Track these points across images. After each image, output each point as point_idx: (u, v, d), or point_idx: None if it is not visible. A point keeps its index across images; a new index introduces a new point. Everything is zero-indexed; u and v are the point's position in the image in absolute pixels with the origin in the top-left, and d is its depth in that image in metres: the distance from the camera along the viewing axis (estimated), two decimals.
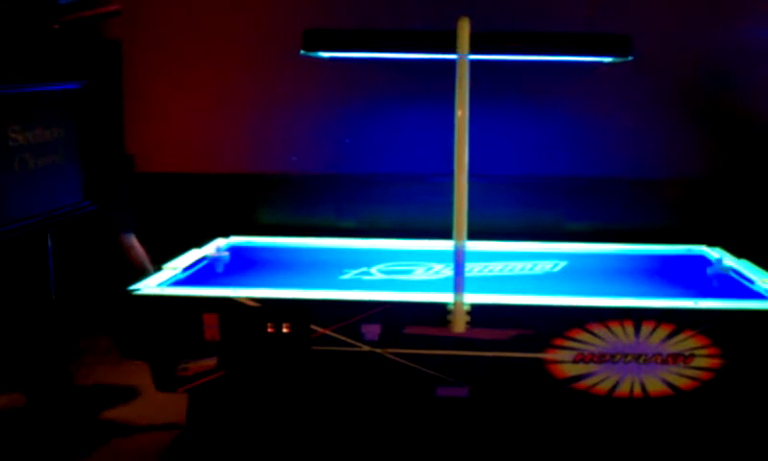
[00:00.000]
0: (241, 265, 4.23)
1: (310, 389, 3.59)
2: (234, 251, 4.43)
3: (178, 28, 5.07)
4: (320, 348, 3.51)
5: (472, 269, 4.14)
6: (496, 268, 4.17)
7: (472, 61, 4.20)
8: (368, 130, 5.10)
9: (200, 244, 4.32)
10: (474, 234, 4.56)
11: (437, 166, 4.80)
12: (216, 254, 4.18)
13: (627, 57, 3.49)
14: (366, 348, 3.49)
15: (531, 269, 4.17)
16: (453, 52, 3.38)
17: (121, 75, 5.07)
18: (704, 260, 4.22)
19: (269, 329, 3.50)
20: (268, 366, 3.56)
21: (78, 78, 4.34)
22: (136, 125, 5.08)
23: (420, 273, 4.08)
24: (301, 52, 3.59)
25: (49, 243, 3.35)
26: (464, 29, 3.37)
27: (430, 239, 4.48)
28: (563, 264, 4.25)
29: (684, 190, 5.02)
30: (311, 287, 3.63)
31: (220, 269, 4.13)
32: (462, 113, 3.35)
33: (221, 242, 4.48)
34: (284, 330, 3.50)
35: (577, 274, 4.11)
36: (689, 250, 4.44)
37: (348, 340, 3.50)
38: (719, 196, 4.99)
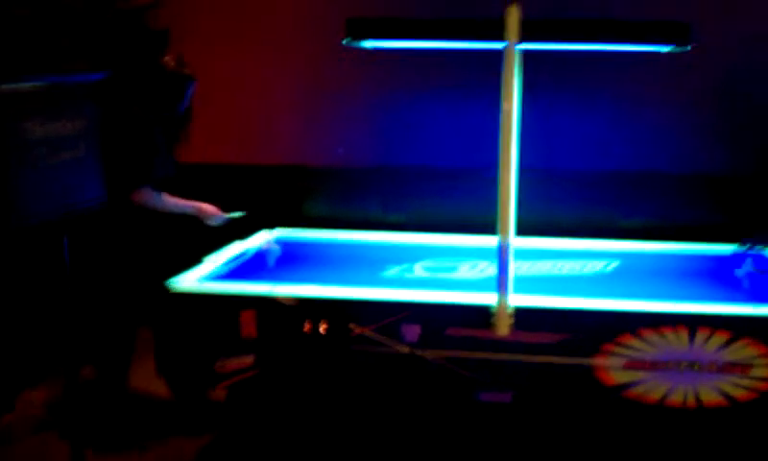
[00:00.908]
0: (284, 259, 4.15)
1: (348, 390, 3.50)
2: (281, 243, 4.36)
3: (222, 16, 5.02)
4: (358, 348, 3.42)
5: (520, 268, 4.00)
6: (545, 267, 4.01)
7: (525, 53, 4.09)
8: (417, 122, 4.97)
9: (244, 237, 4.27)
10: (524, 230, 4.45)
11: (490, 160, 4.64)
12: (267, 247, 4.12)
13: (687, 46, 3.29)
14: (405, 349, 3.39)
15: (581, 269, 4.00)
16: (502, 40, 3.22)
17: None
18: (765, 262, 3.98)
19: (306, 328, 3.43)
20: (305, 365, 3.48)
21: (129, 67, 4.35)
22: None
23: (464, 271, 3.95)
24: (344, 41, 3.50)
25: (65, 240, 3.33)
26: (513, 16, 3.22)
27: (479, 235, 4.34)
28: (615, 264, 4.07)
29: (745, 187, 4.75)
30: (352, 284, 3.54)
31: (272, 263, 4.07)
32: (508, 106, 3.20)
33: (268, 235, 4.42)
34: (321, 330, 3.42)
35: (630, 274, 3.92)
36: (749, 250, 4.21)
37: (388, 341, 3.40)
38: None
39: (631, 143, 4.79)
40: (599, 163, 4.84)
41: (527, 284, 3.75)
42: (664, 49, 3.39)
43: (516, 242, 4.34)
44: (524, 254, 4.23)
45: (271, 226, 4.58)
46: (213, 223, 4.12)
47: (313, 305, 3.41)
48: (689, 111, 4.75)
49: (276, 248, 4.13)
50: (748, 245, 3.81)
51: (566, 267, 4.03)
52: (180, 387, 4.12)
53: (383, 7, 4.58)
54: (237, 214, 4.18)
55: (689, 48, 3.29)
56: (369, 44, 3.61)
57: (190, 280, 3.59)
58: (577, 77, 4.72)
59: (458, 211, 4.74)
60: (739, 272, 3.83)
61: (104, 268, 3.98)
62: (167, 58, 3.92)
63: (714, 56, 4.62)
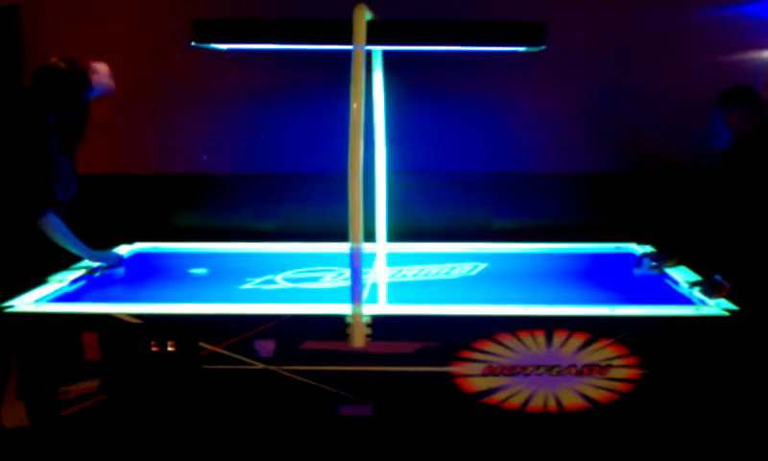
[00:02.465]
0: (141, 274, 3.93)
1: (202, 411, 3.31)
2: (137, 258, 4.14)
3: (74, 26, 4.72)
4: (210, 366, 3.24)
5: (387, 274, 3.90)
6: (411, 272, 3.92)
7: (391, 54, 3.99)
8: (286, 126, 4.80)
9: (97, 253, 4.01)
10: (395, 235, 4.38)
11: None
12: (112, 264, 3.89)
13: (540, 45, 3.24)
14: (260, 365, 3.22)
15: (448, 273, 3.92)
16: (349, 43, 3.10)
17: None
18: (633, 259, 4.00)
19: (153, 348, 3.22)
20: (153, 387, 3.28)
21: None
22: None
23: (328, 279, 3.81)
24: (192, 43, 3.32)
25: None
26: (360, 18, 3.11)
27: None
28: (482, 266, 4.01)
29: (613, 185, 4.77)
30: (206, 300, 3.35)
31: (114, 279, 3.84)
32: (357, 106, 3.06)
33: (123, 249, 4.19)
34: (170, 349, 3.23)
35: (495, 277, 3.87)
36: (618, 248, 4.24)
37: (241, 358, 3.23)
38: (650, 192, 4.75)
39: (500, 144, 4.75)
40: (469, 165, 4.78)
41: (392, 291, 3.66)
42: (519, 49, 3.34)
43: (386, 247, 4.29)
44: (393, 259, 4.15)
45: (129, 240, 4.36)
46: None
47: (160, 325, 3.21)
48: (555, 111, 4.73)
49: (121, 269, 3.90)
50: (654, 264, 3.80)
51: (434, 271, 3.94)
52: (36, 412, 3.84)
53: (238, 7, 4.46)
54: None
55: (543, 47, 3.25)
56: (216, 46, 3.44)
57: (28, 301, 3.34)
58: (444, 79, 4.65)
59: (329, 218, 4.59)
60: (637, 271, 3.85)
61: None
62: (54, 59, 3.60)
63: (580, 55, 4.62)
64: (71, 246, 3.66)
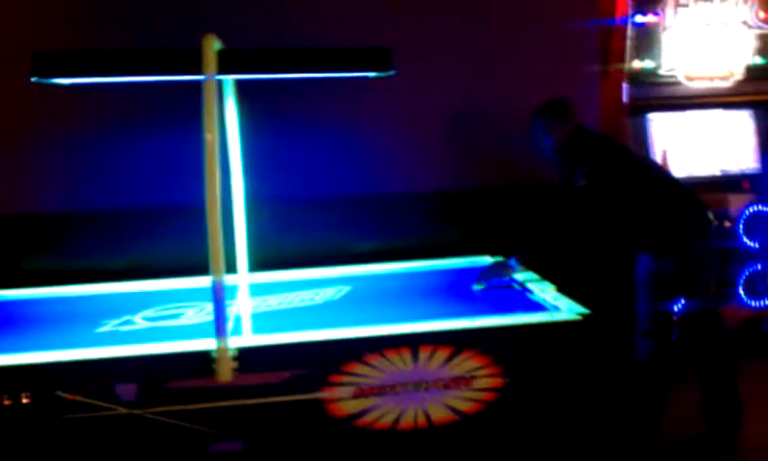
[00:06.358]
0: None
1: None
2: None
3: None
4: (71, 416, 3.08)
5: (250, 305, 3.85)
6: (275, 301, 3.89)
7: (247, 82, 3.95)
8: (137, 160, 4.65)
9: None
10: (257, 265, 4.32)
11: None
12: None
13: (389, 70, 3.32)
14: (123, 410, 3.10)
15: (312, 299, 3.92)
16: (200, 73, 3.06)
17: None
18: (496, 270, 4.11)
19: (5, 402, 3.03)
20: (10, 444, 3.08)
21: None
22: None
23: (190, 315, 3.71)
24: (33, 79, 3.17)
25: None
26: (209, 48, 3.08)
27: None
28: (346, 289, 4.04)
29: (469, 201, 4.94)
30: (57, 347, 3.18)
31: None
32: (211, 137, 3.02)
33: None
34: (24, 401, 3.04)
35: (359, 299, 3.90)
36: (473, 262, 4.37)
37: (103, 404, 3.09)
38: (506, 206, 4.94)
39: (357, 167, 4.80)
40: (328, 189, 4.80)
41: (257, 322, 3.61)
42: (369, 75, 3.41)
43: (248, 278, 4.23)
44: (255, 290, 4.10)
45: None
46: None
47: (10, 376, 3.03)
48: (410, 131, 4.85)
49: None
50: (483, 281, 3.92)
51: (298, 298, 3.93)
52: None
53: (86, 38, 4.32)
54: None
55: (393, 73, 3.33)
56: (62, 81, 3.30)
57: None
58: (298, 105, 4.66)
59: (186, 252, 4.47)
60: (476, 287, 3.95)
61: None
62: None
63: (431, 75, 4.77)
64: None
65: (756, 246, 4.83)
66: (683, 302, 3.82)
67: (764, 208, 4.83)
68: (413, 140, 4.84)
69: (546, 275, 3.93)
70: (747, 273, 4.87)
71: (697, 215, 3.76)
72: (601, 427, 3.71)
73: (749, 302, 4.86)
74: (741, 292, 4.86)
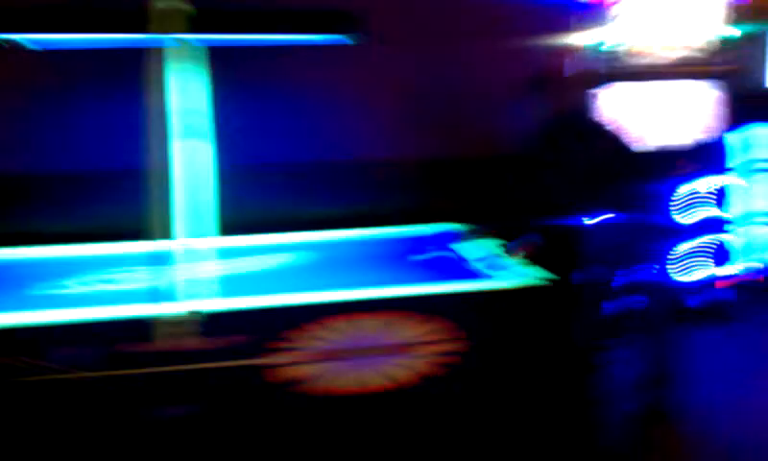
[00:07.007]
0: None
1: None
2: None
3: None
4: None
5: (210, 269, 3.79)
6: (227, 267, 3.82)
7: (211, 47, 3.85)
8: (70, 123, 4.52)
9: None
10: (225, 229, 4.23)
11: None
12: None
13: (357, 35, 3.33)
14: (59, 375, 3.06)
15: (269, 264, 3.92)
16: (145, 32, 3.03)
17: None
18: (449, 239, 4.20)
19: None
20: None
21: None
22: None
23: (135, 280, 3.64)
24: None
25: None
26: (156, 6, 3.02)
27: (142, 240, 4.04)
28: (297, 256, 4.04)
29: (428, 170, 4.93)
30: None
31: None
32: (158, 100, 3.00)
33: None
34: None
35: (310, 267, 3.91)
36: (434, 229, 4.39)
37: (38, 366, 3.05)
38: (462, 175, 4.98)
39: (324, 133, 4.77)
40: (292, 155, 4.76)
41: (206, 287, 3.57)
42: (337, 39, 3.41)
43: (213, 241, 4.16)
44: (197, 256, 4.05)
45: None
46: None
47: None
48: (380, 98, 4.82)
49: None
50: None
51: (251, 263, 3.92)
52: None
53: None
54: None
55: (364, 38, 3.33)
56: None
57: None
58: (266, 70, 4.57)
59: (122, 217, 4.39)
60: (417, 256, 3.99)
61: None
62: None
63: (400, 43, 4.75)
64: None
65: (686, 223, 5.01)
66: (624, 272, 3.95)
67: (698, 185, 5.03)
68: (384, 107, 4.82)
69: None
70: (673, 248, 5.04)
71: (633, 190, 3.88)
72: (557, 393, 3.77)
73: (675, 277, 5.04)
74: (669, 267, 5.04)
